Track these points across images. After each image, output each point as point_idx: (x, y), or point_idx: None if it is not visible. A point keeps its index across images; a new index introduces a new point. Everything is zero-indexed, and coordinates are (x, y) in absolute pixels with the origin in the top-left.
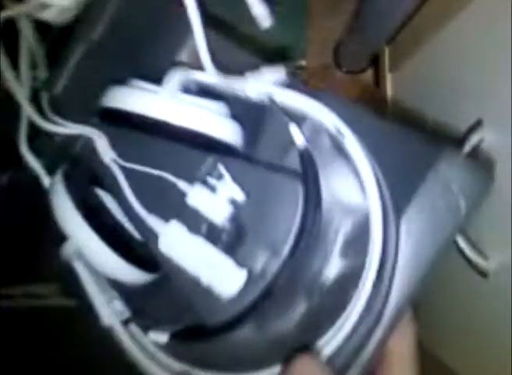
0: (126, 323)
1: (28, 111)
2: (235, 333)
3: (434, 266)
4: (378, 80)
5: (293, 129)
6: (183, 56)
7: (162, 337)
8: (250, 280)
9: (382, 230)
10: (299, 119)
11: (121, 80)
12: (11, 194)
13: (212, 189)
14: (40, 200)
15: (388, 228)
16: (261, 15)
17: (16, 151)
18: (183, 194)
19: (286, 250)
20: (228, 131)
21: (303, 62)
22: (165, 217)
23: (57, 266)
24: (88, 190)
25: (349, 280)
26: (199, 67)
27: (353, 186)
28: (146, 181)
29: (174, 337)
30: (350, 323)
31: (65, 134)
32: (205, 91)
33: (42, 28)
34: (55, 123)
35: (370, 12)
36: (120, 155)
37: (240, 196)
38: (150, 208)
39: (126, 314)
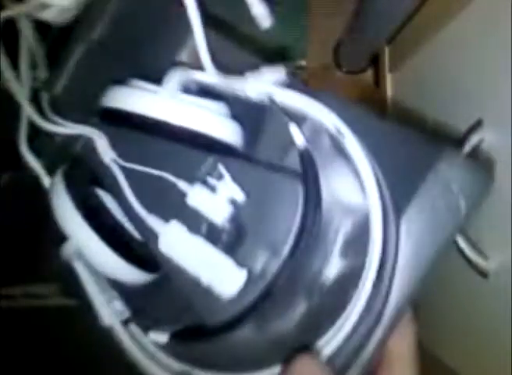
0: (126, 323)
1: (28, 111)
2: (235, 333)
3: (434, 266)
4: (378, 80)
5: (293, 129)
6: (183, 56)
7: (162, 337)
8: (250, 280)
9: (382, 230)
10: (299, 119)
11: (121, 80)
12: (11, 194)
13: (212, 189)
14: (40, 200)
15: (388, 228)
16: (261, 15)
17: (16, 151)
18: (183, 194)
19: (286, 250)
20: (228, 131)
21: (303, 62)
22: (165, 217)
23: (57, 266)
24: (88, 190)
25: (349, 280)
26: (199, 67)
27: (353, 186)
28: (146, 181)
29: (174, 337)
30: (350, 323)
31: (65, 134)
32: (205, 91)
33: (42, 28)
34: (55, 123)
35: (370, 12)
36: (120, 155)
37: (240, 196)
38: (150, 209)
39: (126, 314)
